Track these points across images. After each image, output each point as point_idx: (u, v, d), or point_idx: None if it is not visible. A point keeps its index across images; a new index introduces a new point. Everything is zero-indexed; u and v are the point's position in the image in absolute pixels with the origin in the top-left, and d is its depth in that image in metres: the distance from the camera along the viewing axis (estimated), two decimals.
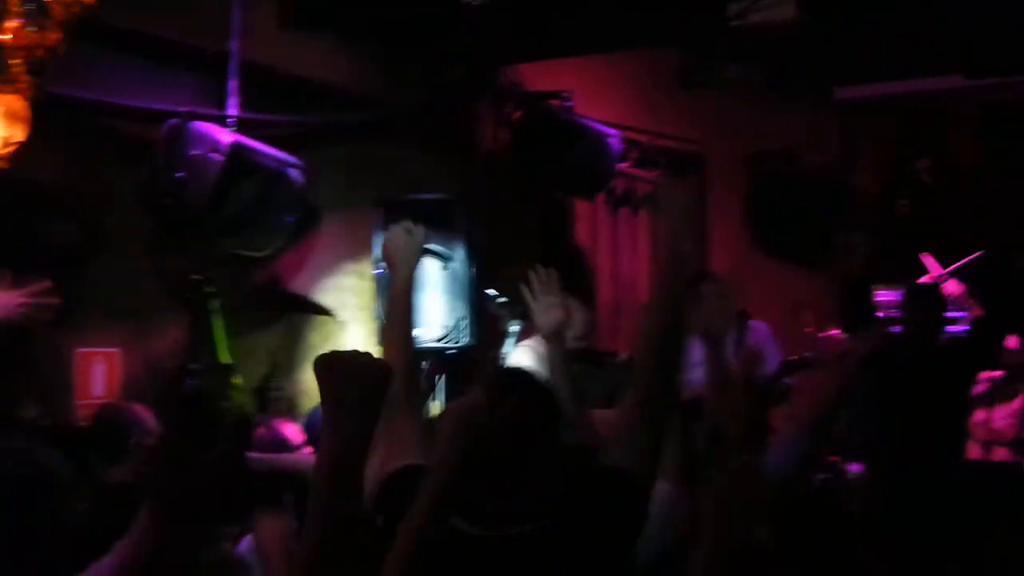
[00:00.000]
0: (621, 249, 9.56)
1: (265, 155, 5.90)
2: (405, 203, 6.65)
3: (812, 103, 10.26)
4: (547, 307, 4.35)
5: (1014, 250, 10.85)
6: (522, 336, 6.82)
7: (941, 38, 8.07)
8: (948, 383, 6.68)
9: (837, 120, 10.69)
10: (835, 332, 8.28)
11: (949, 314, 7.91)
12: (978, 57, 7.40)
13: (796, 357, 7.45)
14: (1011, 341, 8.22)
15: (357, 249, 7.11)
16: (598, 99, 8.74)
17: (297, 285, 6.93)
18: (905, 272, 10.59)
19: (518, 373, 3.07)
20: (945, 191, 13.05)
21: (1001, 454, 8.25)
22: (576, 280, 7.78)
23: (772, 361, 7.71)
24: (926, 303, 6.90)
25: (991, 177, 12.82)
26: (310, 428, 5.24)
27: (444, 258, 6.85)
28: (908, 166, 13.29)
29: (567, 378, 4.26)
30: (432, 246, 6.60)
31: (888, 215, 13.15)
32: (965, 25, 7.45)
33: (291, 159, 6.06)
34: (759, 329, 7.69)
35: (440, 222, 6.79)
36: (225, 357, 5.70)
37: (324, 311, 6.99)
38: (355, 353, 2.27)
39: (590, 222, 9.22)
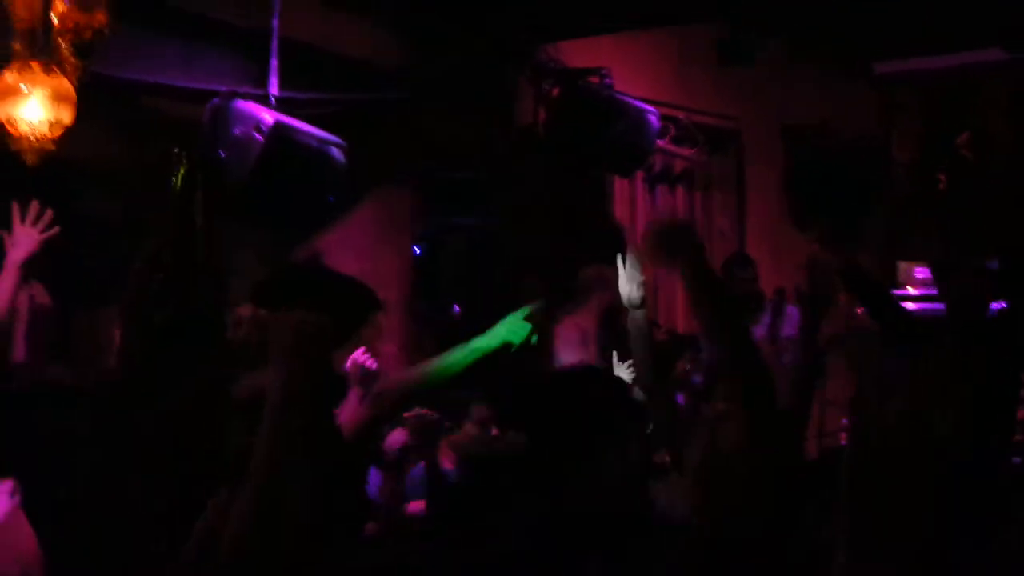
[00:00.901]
0: None
1: (307, 134, 5.93)
2: (443, 181, 6.68)
3: (850, 77, 10.22)
4: (635, 280, 4.41)
5: None
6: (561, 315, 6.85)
7: (980, 12, 8.04)
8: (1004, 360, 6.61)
9: (875, 95, 10.63)
10: (861, 310, 8.28)
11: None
12: (1018, 31, 7.36)
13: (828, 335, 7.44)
14: None
15: (396, 227, 7.15)
16: (636, 75, 8.72)
17: (338, 263, 6.97)
18: (943, 248, 10.59)
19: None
20: (984, 166, 13.01)
21: None
22: (614, 257, 7.78)
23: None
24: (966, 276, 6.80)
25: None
26: None
27: (480, 235, 6.88)
28: (947, 141, 13.25)
29: (649, 349, 4.32)
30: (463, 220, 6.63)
31: (927, 190, 13.12)
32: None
33: (333, 138, 6.08)
34: (791, 314, 7.70)
35: (477, 199, 6.83)
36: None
37: (363, 290, 7.01)
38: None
39: (628, 199, 9.21)
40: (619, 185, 9.04)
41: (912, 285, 9.67)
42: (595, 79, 8.02)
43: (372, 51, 7.10)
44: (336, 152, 6.07)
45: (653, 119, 8.07)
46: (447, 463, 5.45)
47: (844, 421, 8.92)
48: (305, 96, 6.44)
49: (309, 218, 6.15)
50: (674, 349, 7.65)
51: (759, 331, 7.53)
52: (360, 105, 6.96)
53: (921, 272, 9.52)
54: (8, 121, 4.95)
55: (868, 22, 8.82)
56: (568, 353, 7.04)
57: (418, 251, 6.52)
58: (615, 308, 6.19)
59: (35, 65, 4.90)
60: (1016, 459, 7.24)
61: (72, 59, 4.84)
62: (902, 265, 10.17)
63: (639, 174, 9.06)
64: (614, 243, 8.86)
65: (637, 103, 7.99)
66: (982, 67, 10.19)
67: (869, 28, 9.11)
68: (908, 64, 10.35)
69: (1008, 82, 12.31)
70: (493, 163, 7.57)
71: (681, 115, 9.35)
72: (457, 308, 6.59)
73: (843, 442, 8.85)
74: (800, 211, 10.16)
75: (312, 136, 5.95)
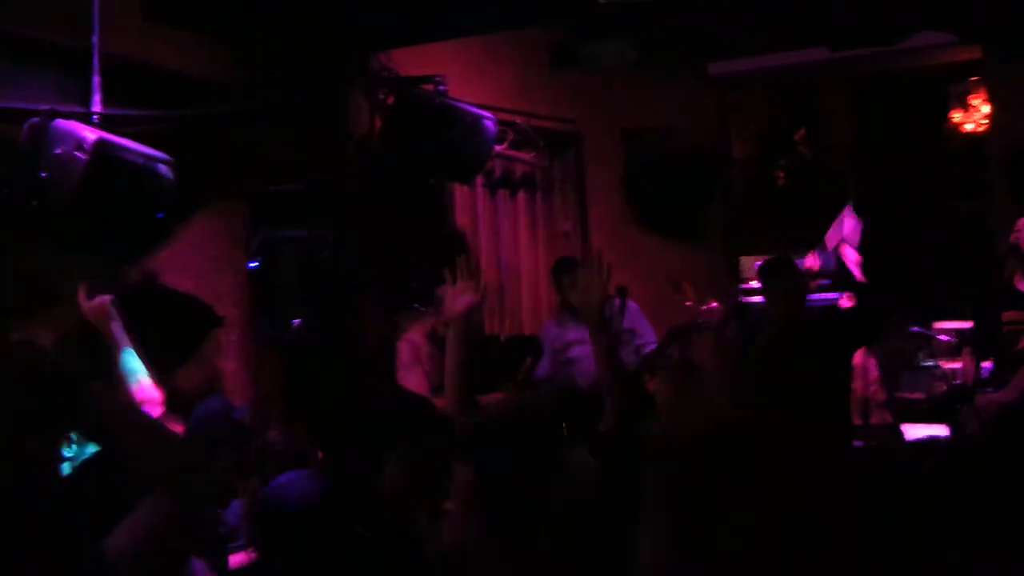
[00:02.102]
0: (501, 232, 9.56)
1: (132, 151, 5.80)
2: (275, 194, 6.59)
3: (687, 79, 10.33)
4: (462, 291, 4.43)
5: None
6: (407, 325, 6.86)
7: (805, 11, 8.17)
8: (829, 354, 6.74)
9: (712, 95, 10.77)
10: (714, 304, 8.40)
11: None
12: (839, 29, 7.49)
13: (679, 325, 7.54)
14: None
15: (230, 243, 7.03)
16: (472, 82, 8.72)
17: (171, 282, 6.83)
18: (784, 242, 10.79)
19: None
20: (821, 161, 13.29)
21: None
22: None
23: (645, 335, 7.86)
24: (783, 276, 6.91)
25: (863, 146, 13.07)
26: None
27: (313, 247, 6.81)
28: (785, 138, 13.51)
29: (464, 365, 4.31)
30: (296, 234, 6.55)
31: (766, 186, 13.36)
32: None
33: (159, 154, 5.96)
34: (630, 306, 7.83)
35: (311, 212, 6.75)
36: None
37: (201, 307, 6.90)
38: None
39: (469, 206, 9.20)
40: (460, 192, 9.03)
41: (756, 279, 9.83)
42: (429, 87, 8.00)
43: (200, 65, 6.97)
44: (164, 168, 5.95)
45: (490, 124, 8.08)
46: None
47: None
48: (130, 113, 6.29)
49: (138, 237, 6.01)
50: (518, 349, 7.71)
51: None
52: (189, 120, 6.82)
53: None
54: None
55: (702, 24, 8.92)
56: (402, 371, 7.06)
57: (253, 266, 6.42)
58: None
59: None
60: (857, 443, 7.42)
61: None
62: (744, 260, 10.33)
63: (479, 180, 9.07)
64: (455, 251, 8.87)
65: (472, 109, 8.00)
66: (814, 65, 10.36)
67: (703, 30, 9.22)
68: (742, 64, 10.49)
69: (841, 78, 12.60)
70: (328, 174, 7.49)
71: (519, 120, 9.37)
72: (296, 322, 6.50)
73: None
74: (641, 212, 10.26)
75: (138, 153, 5.82)
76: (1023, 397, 6.73)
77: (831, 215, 10.60)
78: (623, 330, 7.75)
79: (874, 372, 8.84)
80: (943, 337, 9.26)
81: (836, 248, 10.07)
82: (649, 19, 8.31)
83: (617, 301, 7.80)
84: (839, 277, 9.71)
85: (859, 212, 10.52)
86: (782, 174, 13.43)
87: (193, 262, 6.94)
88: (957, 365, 8.27)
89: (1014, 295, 7.04)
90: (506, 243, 9.61)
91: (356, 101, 8.15)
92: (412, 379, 6.91)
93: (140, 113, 6.41)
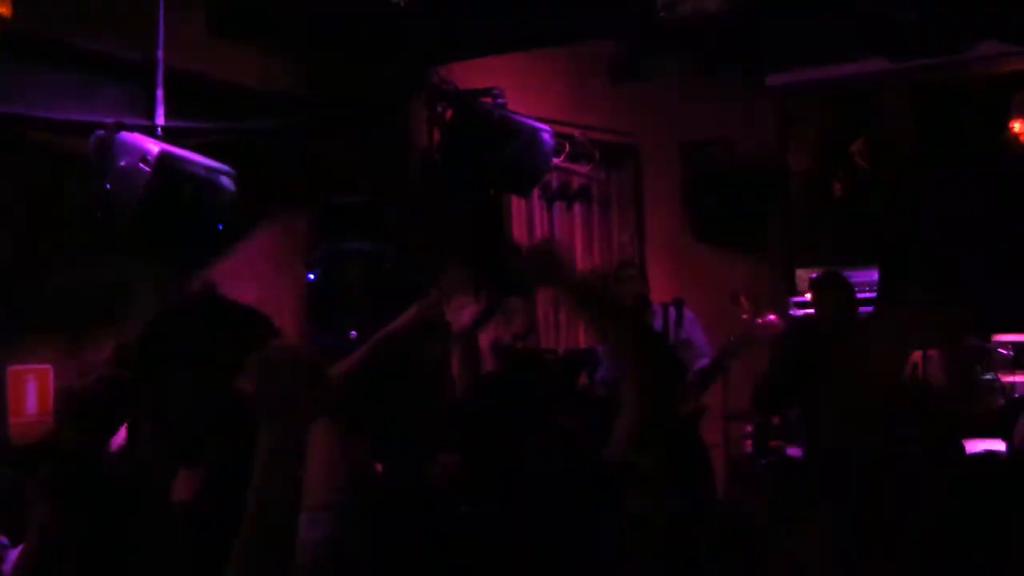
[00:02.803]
0: (558, 244, 9.60)
1: (195, 163, 5.88)
2: (337, 207, 6.65)
3: (745, 90, 10.33)
4: (459, 307, 4.43)
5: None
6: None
7: (865, 21, 8.15)
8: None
9: (770, 106, 10.76)
10: (772, 317, 8.40)
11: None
12: (900, 40, 7.49)
13: (732, 341, 7.56)
14: None
15: (291, 254, 7.11)
16: (530, 95, 8.77)
17: (233, 293, 6.90)
18: (843, 254, 10.75)
19: None
20: (878, 173, 13.21)
21: None
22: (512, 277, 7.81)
23: (700, 346, 7.85)
24: (834, 289, 6.97)
25: (924, 158, 12.99)
26: None
27: (376, 259, 6.87)
28: (842, 149, 13.44)
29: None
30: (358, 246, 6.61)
31: (823, 198, 13.29)
32: (886, 7, 7.55)
33: (221, 166, 6.03)
34: (687, 317, 7.83)
35: (372, 224, 6.81)
36: None
37: (259, 318, 6.96)
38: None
39: (526, 218, 9.25)
40: (516, 204, 9.08)
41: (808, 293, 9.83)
42: (488, 100, 8.06)
43: (262, 78, 7.07)
44: (225, 180, 6.03)
45: (547, 137, 8.13)
46: None
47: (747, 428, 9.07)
48: (193, 125, 6.39)
49: (200, 248, 6.09)
50: (574, 364, 7.74)
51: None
52: (251, 133, 6.91)
53: None
54: None
55: (760, 35, 8.92)
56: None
57: (312, 277, 6.48)
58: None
59: None
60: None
61: None
62: (800, 272, 10.32)
63: (536, 193, 9.11)
64: (512, 264, 8.91)
65: (530, 122, 8.04)
66: (873, 75, 10.34)
67: (762, 41, 9.22)
68: (801, 75, 10.48)
69: (901, 89, 12.53)
70: (388, 187, 7.56)
71: (576, 132, 9.40)
72: (354, 334, 6.55)
73: (748, 448, 9.02)
74: (700, 224, 10.26)
75: (200, 165, 5.90)
76: None
77: (891, 228, 10.56)
78: (679, 340, 7.76)
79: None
80: (1003, 351, 9.19)
81: None
82: (708, 32, 8.32)
83: (673, 311, 7.81)
84: None
85: (917, 224, 10.47)
86: (840, 185, 13.35)
87: (254, 273, 7.01)
88: (1017, 379, 8.21)
89: None
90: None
91: (416, 114, 8.23)
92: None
93: (203, 125, 6.51)
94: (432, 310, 4.10)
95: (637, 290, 7.83)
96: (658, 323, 7.74)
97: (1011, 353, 8.96)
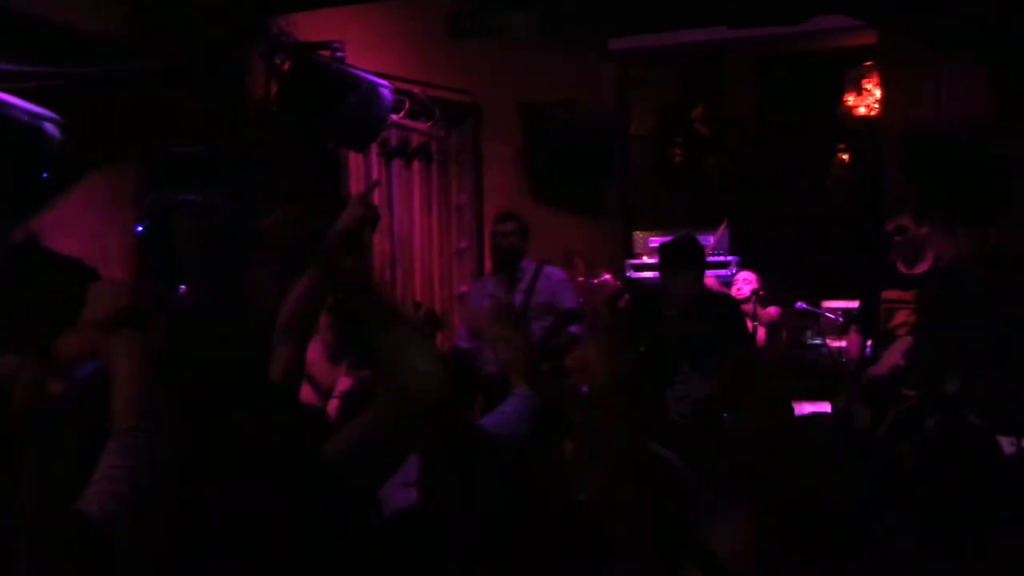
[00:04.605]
0: (396, 201, 9.54)
1: (17, 108, 5.68)
2: (172, 157, 6.51)
3: (588, 53, 10.36)
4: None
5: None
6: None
7: None
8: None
9: (613, 70, 10.81)
10: (607, 277, 8.46)
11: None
12: (738, 7, 7.58)
13: (567, 310, 7.56)
14: None
15: (120, 205, 6.94)
16: (371, 50, 8.68)
17: (57, 245, 6.72)
18: (680, 218, 10.89)
19: None
20: (719, 139, 13.42)
21: None
22: None
23: (570, 307, 7.78)
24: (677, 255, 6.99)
25: (761, 126, 13.22)
26: None
27: (207, 211, 6.73)
28: (683, 115, 13.62)
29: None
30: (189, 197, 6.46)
31: (663, 162, 13.46)
32: None
33: (47, 112, 5.84)
34: (554, 275, 7.77)
35: (208, 175, 6.67)
36: None
37: (85, 271, 6.79)
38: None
39: (364, 174, 9.16)
40: (354, 160, 8.98)
41: (647, 255, 9.93)
42: (327, 53, 7.95)
43: (95, 22, 6.86)
44: (50, 127, 5.84)
45: (386, 92, 8.05)
46: None
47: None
48: (19, 68, 6.16)
49: (22, 197, 5.91)
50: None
51: (517, 298, 7.60)
52: (82, 78, 6.70)
53: (655, 241, 9.77)
54: None
55: None
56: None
57: (140, 229, 6.32)
58: None
59: None
60: None
61: None
62: (638, 235, 10.42)
63: (374, 149, 9.04)
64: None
65: (369, 77, 7.96)
66: (719, 44, 10.44)
67: (606, 3, 9.24)
68: (643, 40, 10.54)
69: (746, 57, 12.72)
70: (226, 138, 7.42)
71: (417, 89, 9.34)
72: (183, 288, 6.42)
73: None
74: (538, 185, 10.28)
75: (23, 111, 5.71)
76: (893, 372, 6.88)
77: (729, 194, 10.72)
78: (534, 305, 7.66)
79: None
80: (830, 316, 9.41)
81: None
82: None
83: (528, 274, 7.70)
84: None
85: (752, 193, 10.65)
86: (679, 151, 13.53)
87: (82, 224, 6.83)
88: (843, 343, 8.40)
89: (896, 275, 7.20)
90: (400, 213, 9.59)
91: (254, 65, 8.08)
92: (311, 349, 6.89)
93: (30, 69, 6.28)
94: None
95: (516, 244, 7.75)
96: (524, 284, 7.67)
97: (840, 318, 9.16)
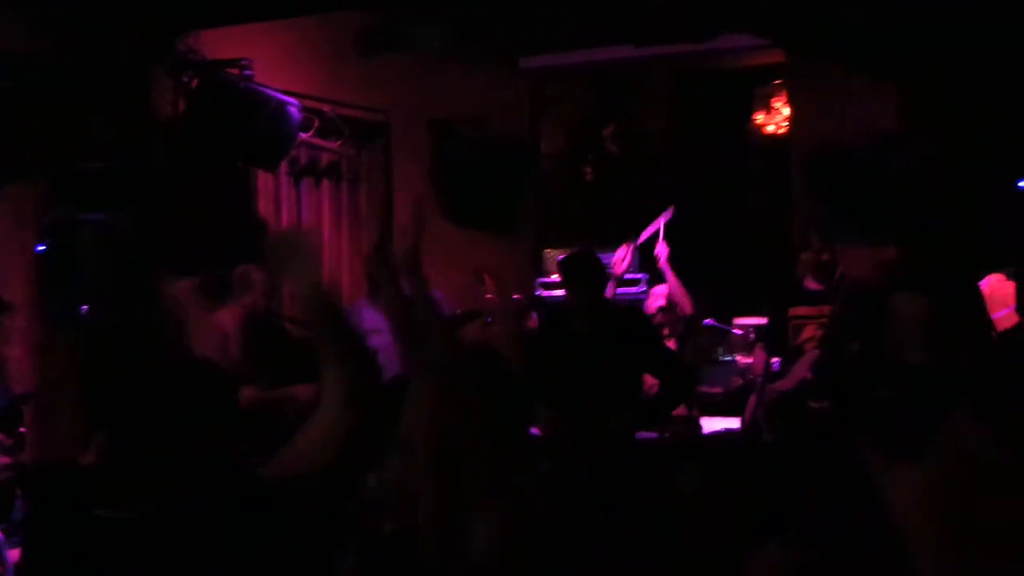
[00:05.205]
0: (305, 221, 9.46)
1: None
2: (76, 175, 6.43)
3: (499, 71, 10.37)
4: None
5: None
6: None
7: (615, 7, 8.26)
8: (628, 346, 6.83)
9: (524, 88, 10.83)
10: (517, 297, 8.46)
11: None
12: (644, 26, 7.63)
13: (460, 312, 7.60)
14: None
15: (20, 223, 6.83)
16: (279, 68, 8.62)
17: None
18: (591, 237, 10.90)
19: None
20: (630, 158, 13.46)
21: None
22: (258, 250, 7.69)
23: None
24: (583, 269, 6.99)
25: (678, 143, 13.29)
26: None
27: (109, 230, 6.67)
28: (594, 133, 13.65)
29: None
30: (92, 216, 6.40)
31: (574, 181, 13.48)
32: None
33: None
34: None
35: (114, 193, 6.61)
36: None
37: None
38: None
39: (273, 193, 9.09)
40: (263, 179, 8.91)
41: (557, 273, 9.93)
42: (235, 71, 7.90)
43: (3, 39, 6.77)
44: None
45: (294, 111, 8.02)
46: None
47: None
48: None
49: None
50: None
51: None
52: None
53: None
54: None
55: (513, 13, 8.95)
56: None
57: (41, 248, 6.23)
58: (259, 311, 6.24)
59: None
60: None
61: None
62: (548, 253, 10.42)
63: (283, 168, 8.98)
64: (256, 239, 8.77)
65: (277, 95, 7.93)
66: (630, 62, 10.48)
67: (515, 21, 9.25)
68: (553, 59, 10.57)
69: (661, 77, 12.78)
70: (132, 156, 7.33)
71: (327, 107, 9.29)
72: (84, 308, 6.34)
73: None
74: (448, 203, 10.25)
75: None
76: (800, 387, 6.94)
77: (639, 212, 10.74)
78: None
79: None
80: (738, 332, 9.47)
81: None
82: (460, 5, 8.34)
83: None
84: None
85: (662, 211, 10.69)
86: (589, 169, 13.56)
87: None
88: (751, 360, 8.46)
89: (803, 292, 7.28)
90: None
91: (161, 82, 7.99)
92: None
93: None
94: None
95: None
96: None
97: (749, 335, 9.23)
